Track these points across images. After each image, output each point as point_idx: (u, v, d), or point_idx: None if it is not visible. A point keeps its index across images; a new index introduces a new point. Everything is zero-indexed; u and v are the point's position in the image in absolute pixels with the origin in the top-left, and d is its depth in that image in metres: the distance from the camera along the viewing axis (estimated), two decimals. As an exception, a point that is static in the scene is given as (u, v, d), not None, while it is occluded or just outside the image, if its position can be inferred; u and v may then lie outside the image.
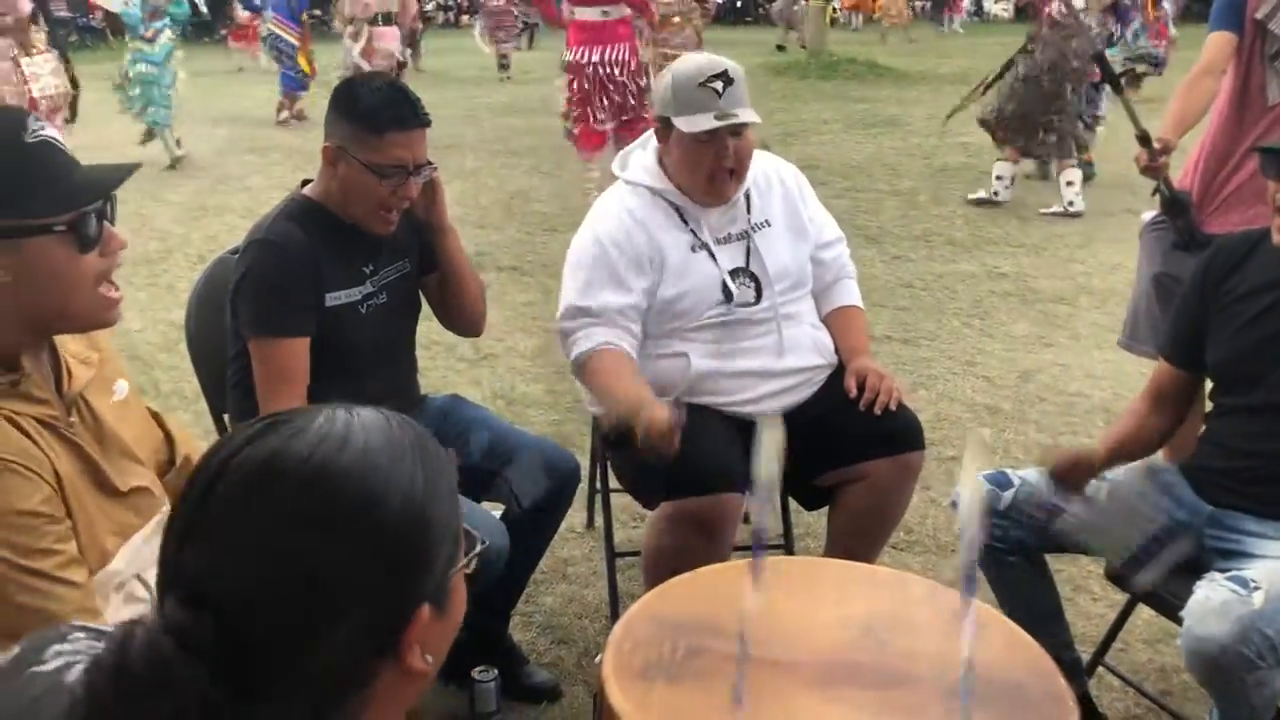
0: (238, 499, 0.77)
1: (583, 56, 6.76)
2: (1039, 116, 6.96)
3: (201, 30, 20.07)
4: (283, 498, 0.77)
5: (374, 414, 0.84)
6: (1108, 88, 5.44)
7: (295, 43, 10.63)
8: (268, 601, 0.75)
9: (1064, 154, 7.18)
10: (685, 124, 2.33)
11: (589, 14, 6.75)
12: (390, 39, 9.69)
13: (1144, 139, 2.82)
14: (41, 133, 1.33)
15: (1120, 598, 2.39)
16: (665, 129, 2.41)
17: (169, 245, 6.46)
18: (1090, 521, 2.09)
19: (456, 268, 2.41)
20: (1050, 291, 5.57)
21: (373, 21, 9.50)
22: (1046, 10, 7.06)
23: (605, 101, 6.76)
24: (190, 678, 0.73)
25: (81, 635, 0.84)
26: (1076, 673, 2.21)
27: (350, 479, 0.78)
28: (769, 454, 1.38)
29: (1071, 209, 7.09)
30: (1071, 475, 2.12)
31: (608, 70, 6.71)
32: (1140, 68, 10.90)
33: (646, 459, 2.12)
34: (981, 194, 7.53)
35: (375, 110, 2.13)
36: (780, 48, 18.88)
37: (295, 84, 11.04)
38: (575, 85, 6.81)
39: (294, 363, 2.13)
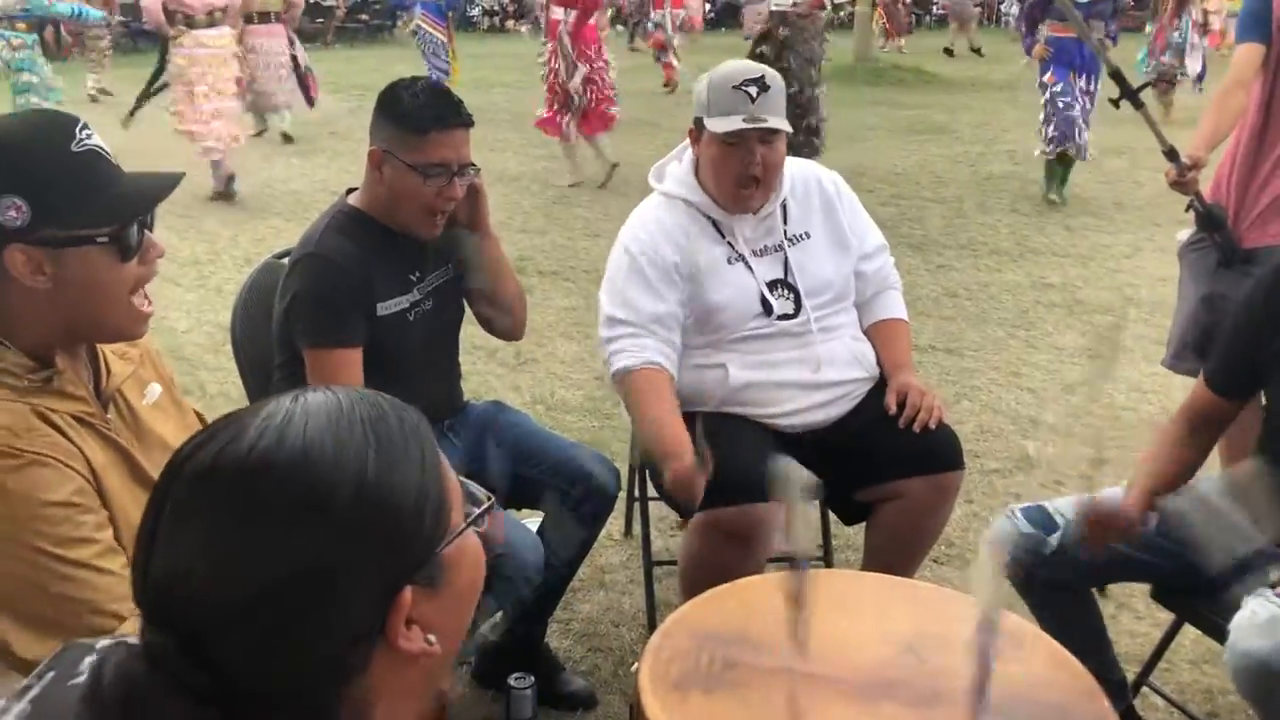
0: (187, 510, 0.76)
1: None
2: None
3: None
4: (228, 502, 0.75)
5: (322, 396, 0.80)
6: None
7: (444, 39, 10.73)
8: (230, 610, 0.73)
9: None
10: (715, 124, 2.33)
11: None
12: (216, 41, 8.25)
13: (1171, 154, 2.78)
14: (88, 141, 1.35)
15: (1165, 617, 2.35)
16: (698, 131, 2.41)
17: (216, 247, 6.54)
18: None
19: (497, 273, 2.42)
20: (1097, 302, 5.50)
21: (191, 24, 8.05)
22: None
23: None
24: (163, 700, 0.72)
25: (110, 644, 0.84)
26: (1121, 693, 2.18)
27: (293, 472, 0.75)
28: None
29: None
30: (1103, 535, 2.04)
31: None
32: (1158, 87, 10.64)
33: (672, 500, 2.15)
34: None
35: (417, 110, 2.14)
36: (948, 51, 18.03)
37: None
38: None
39: (349, 372, 2.15)
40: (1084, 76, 7.37)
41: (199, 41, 7.37)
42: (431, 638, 0.81)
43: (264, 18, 9.30)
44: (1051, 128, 7.38)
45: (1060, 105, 7.31)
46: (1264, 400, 2.09)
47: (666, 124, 10.66)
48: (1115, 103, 3.01)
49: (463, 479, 0.88)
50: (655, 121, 11.05)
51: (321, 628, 0.75)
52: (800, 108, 6.40)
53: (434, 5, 10.38)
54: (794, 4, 6.36)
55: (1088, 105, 7.40)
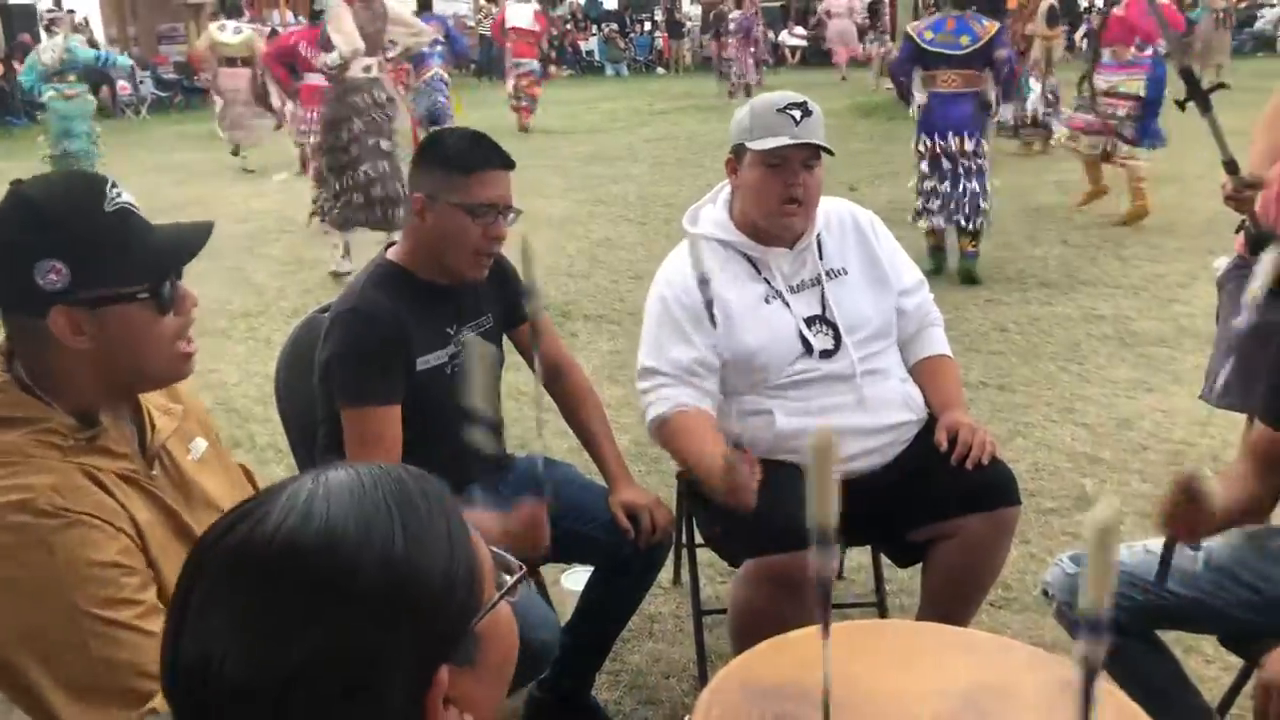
0: (213, 596, 0.75)
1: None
2: (337, 185, 6.53)
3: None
4: (253, 587, 0.74)
5: (343, 475, 0.79)
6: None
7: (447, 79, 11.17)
8: (261, 697, 0.72)
9: (391, 224, 6.51)
10: (758, 144, 2.32)
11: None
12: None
13: (1231, 166, 2.70)
14: (119, 200, 1.36)
15: (1235, 660, 2.27)
16: (737, 158, 2.40)
17: (265, 300, 6.61)
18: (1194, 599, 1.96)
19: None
20: (1151, 334, 5.39)
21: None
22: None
23: None
24: None
25: None
26: None
27: (317, 555, 0.74)
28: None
29: (341, 270, 6.66)
30: (1187, 520, 1.88)
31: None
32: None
33: (730, 512, 2.12)
34: (334, 267, 6.93)
35: (463, 152, 2.19)
36: (1218, 85, 16.54)
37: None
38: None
39: (386, 430, 2.15)
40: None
41: None
42: (469, 717, 0.79)
43: (231, 62, 11.31)
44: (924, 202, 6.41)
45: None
46: None
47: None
48: (1181, 105, 2.89)
49: (493, 548, 0.86)
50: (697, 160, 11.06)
51: (356, 713, 0.73)
52: (340, 170, 6.42)
53: (439, 54, 10.84)
54: (329, 65, 6.18)
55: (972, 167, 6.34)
